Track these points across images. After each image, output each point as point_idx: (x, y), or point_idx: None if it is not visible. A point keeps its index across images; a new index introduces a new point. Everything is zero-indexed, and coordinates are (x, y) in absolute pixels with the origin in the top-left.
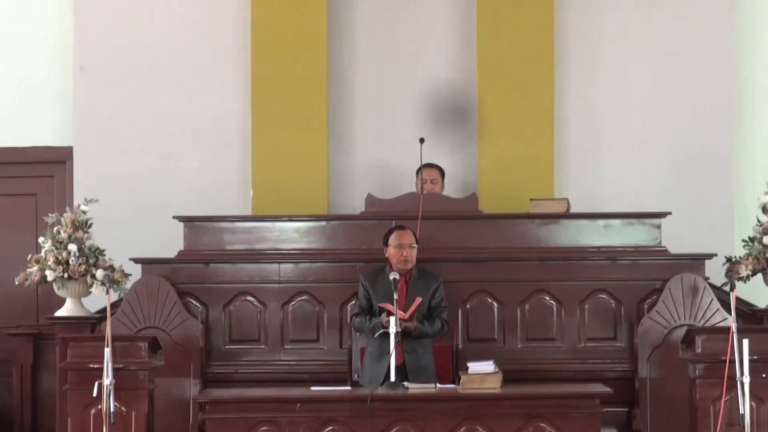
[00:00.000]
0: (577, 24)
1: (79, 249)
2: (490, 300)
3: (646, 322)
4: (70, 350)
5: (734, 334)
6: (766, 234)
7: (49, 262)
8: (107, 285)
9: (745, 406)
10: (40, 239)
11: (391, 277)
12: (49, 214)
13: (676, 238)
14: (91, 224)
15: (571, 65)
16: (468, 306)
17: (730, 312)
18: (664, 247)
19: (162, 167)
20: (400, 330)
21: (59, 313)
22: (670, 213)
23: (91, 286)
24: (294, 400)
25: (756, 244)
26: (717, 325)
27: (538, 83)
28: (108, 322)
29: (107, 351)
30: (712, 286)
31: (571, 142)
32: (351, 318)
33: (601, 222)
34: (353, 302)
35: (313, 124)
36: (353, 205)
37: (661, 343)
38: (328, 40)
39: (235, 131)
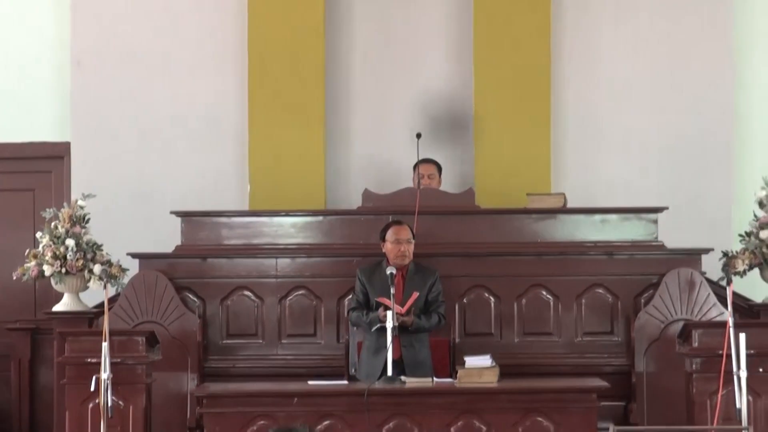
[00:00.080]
0: (574, 19)
1: (77, 244)
2: (487, 294)
3: (643, 317)
4: (67, 345)
5: (731, 329)
6: (762, 229)
7: (47, 257)
8: (105, 280)
9: (742, 401)
10: (38, 234)
11: (388, 272)
12: (47, 210)
13: (673, 233)
14: (89, 219)
15: (568, 60)
16: (465, 300)
17: (726, 306)
18: (661, 241)
19: (159, 162)
20: (397, 324)
21: (57, 307)
22: (666, 208)
23: (88, 280)
24: (291, 394)
25: (752, 238)
26: (714, 319)
27: (535, 79)
28: (106, 317)
29: (105, 345)
30: (708, 280)
31: (567, 137)
32: (348, 312)
33: (597, 217)
34: (350, 297)
35: (310, 120)
36: (350, 200)
37: (657, 338)
38: (325, 35)
39: (233, 126)
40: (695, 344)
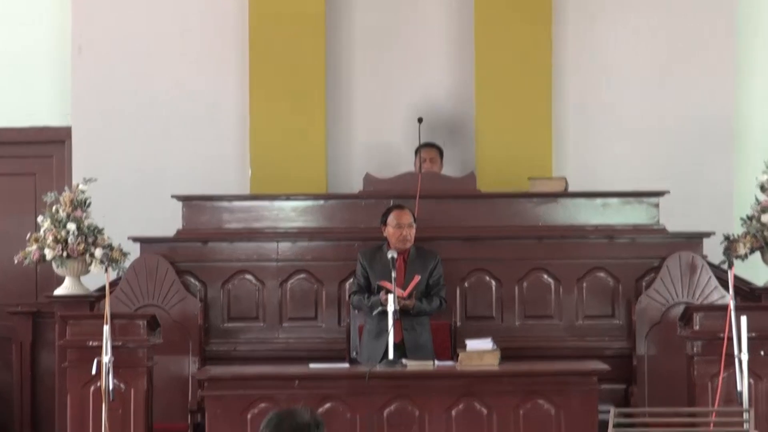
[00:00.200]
0: (577, 1)
1: (78, 228)
2: (488, 278)
3: (644, 300)
4: (69, 328)
5: (732, 312)
6: (764, 212)
7: (48, 241)
8: (106, 263)
9: (743, 383)
10: (39, 218)
11: (389, 256)
12: (48, 194)
13: (674, 217)
14: (90, 203)
15: (570, 44)
16: (466, 284)
17: (728, 290)
18: (662, 225)
19: (160, 146)
20: (398, 308)
21: (58, 291)
22: (668, 192)
23: (89, 264)
24: (292, 377)
25: (754, 222)
26: (715, 302)
27: (536, 62)
28: (107, 301)
29: (106, 329)
30: (710, 264)
31: (569, 121)
32: (349, 296)
33: (599, 201)
34: (351, 280)
35: (311, 104)
36: (351, 184)
37: (659, 321)
38: (326, 20)
39: (234, 110)
40: (696, 327)
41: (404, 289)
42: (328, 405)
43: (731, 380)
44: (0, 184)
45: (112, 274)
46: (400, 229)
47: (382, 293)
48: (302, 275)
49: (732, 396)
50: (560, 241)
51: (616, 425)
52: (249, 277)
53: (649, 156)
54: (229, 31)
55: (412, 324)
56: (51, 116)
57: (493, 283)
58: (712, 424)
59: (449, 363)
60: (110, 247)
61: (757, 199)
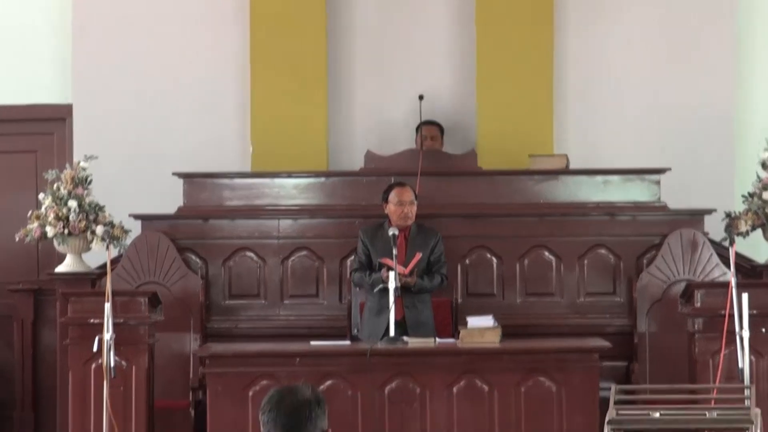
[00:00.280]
0: None
1: (79, 205)
2: (489, 255)
3: (646, 277)
4: (70, 305)
5: (733, 289)
6: (765, 189)
7: (50, 219)
8: (107, 241)
9: (745, 360)
10: (41, 196)
11: (391, 233)
12: (49, 171)
13: (676, 194)
14: (91, 181)
15: (571, 21)
16: (467, 261)
17: (729, 267)
18: (664, 202)
19: (161, 124)
20: (399, 285)
21: (60, 268)
22: (669, 169)
23: (91, 242)
24: (294, 354)
25: (756, 199)
26: (716, 279)
27: (538, 39)
28: (108, 278)
29: (107, 306)
30: (711, 241)
31: (570, 98)
32: (350, 273)
33: (600, 178)
34: (352, 258)
35: (312, 81)
36: (352, 161)
37: (660, 298)
38: None
39: (235, 88)
40: (698, 304)
41: (405, 266)
42: (329, 382)
43: (732, 357)
44: (1, 162)
45: (114, 252)
46: (401, 207)
47: (383, 270)
48: (303, 252)
49: (733, 373)
50: (561, 219)
51: (617, 402)
52: (250, 254)
53: (650, 133)
54: (230, 9)
55: (413, 301)
56: (52, 94)
57: (494, 260)
58: (713, 401)
59: (450, 340)
60: (111, 224)
61: (758, 176)
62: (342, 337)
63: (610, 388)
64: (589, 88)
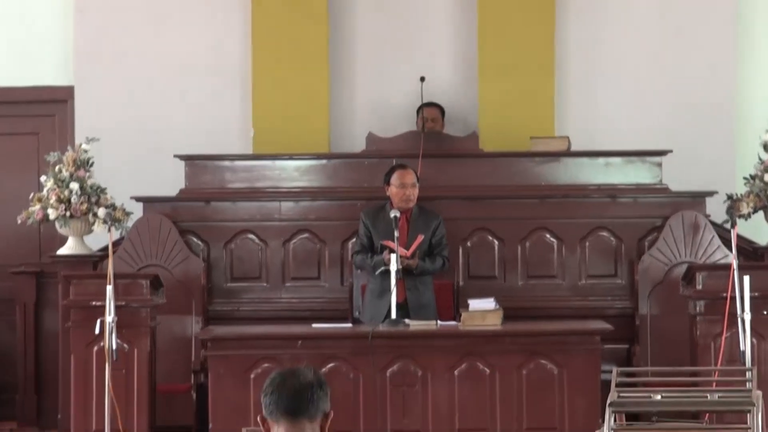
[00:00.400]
0: None
1: (81, 187)
2: (490, 238)
3: (647, 260)
4: (72, 288)
5: (735, 271)
6: (767, 171)
7: (51, 201)
8: (109, 223)
9: (746, 343)
10: (42, 178)
11: (392, 215)
12: (51, 153)
13: (677, 176)
14: (93, 163)
15: (573, 2)
16: (469, 244)
17: (730, 249)
18: (665, 184)
19: (163, 106)
20: (401, 267)
21: (61, 251)
22: (671, 151)
23: (93, 224)
24: (295, 337)
25: (757, 181)
26: (718, 262)
27: (539, 21)
28: (110, 260)
29: (109, 289)
30: (713, 223)
31: (571, 80)
32: (352, 256)
33: (601, 160)
34: (354, 240)
35: (313, 63)
36: (354, 143)
37: (661, 281)
38: None
39: (236, 70)
40: (699, 287)
41: (407, 248)
42: (331, 365)
43: (734, 340)
44: (2, 144)
45: (115, 234)
46: (403, 189)
47: (385, 253)
48: (305, 235)
49: (734, 356)
50: (563, 201)
51: (619, 385)
52: (252, 236)
53: (651, 115)
54: None
55: (414, 284)
56: (54, 76)
57: (496, 242)
58: (714, 384)
59: (452, 323)
60: (113, 206)
61: (760, 159)
62: (344, 319)
63: (611, 371)
64: (591, 70)
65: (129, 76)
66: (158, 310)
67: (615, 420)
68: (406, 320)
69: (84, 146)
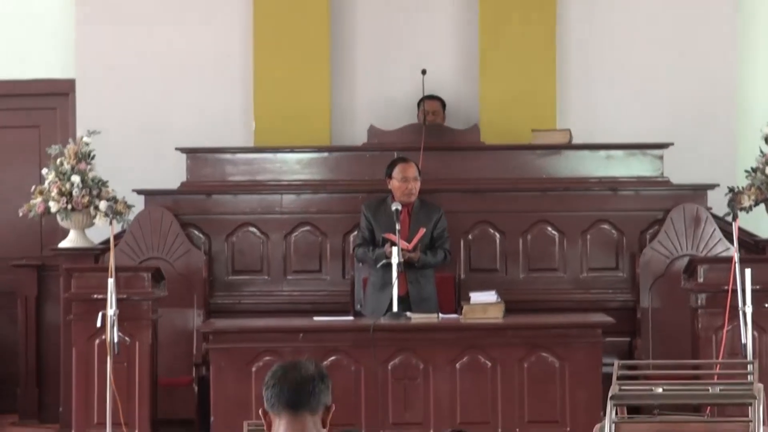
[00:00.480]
0: None
1: (82, 180)
2: (492, 230)
3: (648, 253)
4: (73, 281)
5: (736, 264)
6: None
7: (53, 194)
8: (110, 216)
9: (747, 336)
10: (44, 171)
11: (394, 208)
12: (53, 146)
13: (678, 169)
14: (94, 156)
15: None
16: (470, 237)
17: (732, 242)
18: (667, 177)
19: (164, 99)
20: (402, 260)
21: (63, 244)
22: (672, 144)
23: (94, 217)
24: (297, 330)
25: (759, 174)
26: (719, 255)
27: (541, 14)
28: (111, 253)
29: (111, 282)
30: (714, 216)
31: (573, 72)
32: (354, 249)
33: (602, 153)
34: (356, 233)
35: (315, 56)
36: (355, 136)
37: (663, 274)
38: None
39: (238, 62)
40: (700, 280)
41: (408, 242)
42: (332, 358)
43: (735, 333)
44: (4, 137)
45: (117, 227)
46: (405, 183)
47: (386, 246)
48: (306, 228)
49: (736, 348)
50: (564, 194)
51: (620, 378)
52: (253, 229)
53: (653, 108)
54: None
55: (416, 277)
56: (55, 69)
57: (497, 235)
58: (716, 377)
59: (453, 316)
60: (114, 199)
61: (761, 151)
62: (345, 312)
63: (612, 364)
64: (593, 63)
65: (131, 69)
66: (159, 303)
67: (616, 413)
68: (408, 313)
69: (85, 139)
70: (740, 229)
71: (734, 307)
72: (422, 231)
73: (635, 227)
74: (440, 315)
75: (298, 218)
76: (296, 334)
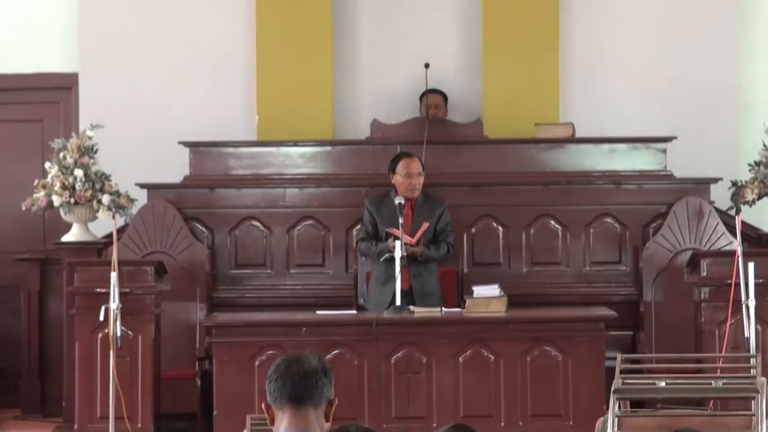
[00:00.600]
0: None
1: (85, 174)
2: (495, 224)
3: (652, 246)
4: (77, 275)
5: (739, 258)
6: None
7: (56, 188)
8: (113, 210)
9: (750, 330)
10: (47, 165)
11: (397, 202)
12: (56, 140)
13: (682, 163)
14: (97, 150)
15: None
16: (473, 230)
17: (735, 236)
18: (670, 171)
19: (167, 93)
20: (405, 254)
21: (66, 238)
22: (675, 137)
23: (97, 211)
24: (300, 324)
25: (762, 168)
26: (722, 248)
27: (543, 7)
28: (114, 247)
29: (114, 275)
30: (717, 210)
31: (576, 66)
32: (357, 243)
33: (606, 146)
34: (359, 227)
35: (318, 50)
36: (358, 130)
37: (666, 267)
38: None
39: (241, 57)
40: (704, 273)
41: (411, 236)
42: (335, 351)
43: (738, 327)
44: (7, 131)
45: (120, 221)
46: (409, 179)
47: (390, 240)
48: (309, 222)
49: (739, 342)
50: (567, 187)
51: (623, 371)
52: (256, 223)
53: (656, 101)
54: None
55: (420, 271)
56: (58, 62)
57: (500, 229)
58: (719, 371)
59: (456, 310)
60: (117, 193)
61: (764, 145)
62: (348, 306)
63: (615, 358)
64: (596, 57)
65: (134, 63)
66: (162, 297)
67: (619, 407)
68: (411, 307)
69: (88, 133)
70: (743, 223)
71: (737, 301)
72: (425, 225)
73: (638, 221)
74: (443, 309)
75: (301, 212)
76: (299, 328)
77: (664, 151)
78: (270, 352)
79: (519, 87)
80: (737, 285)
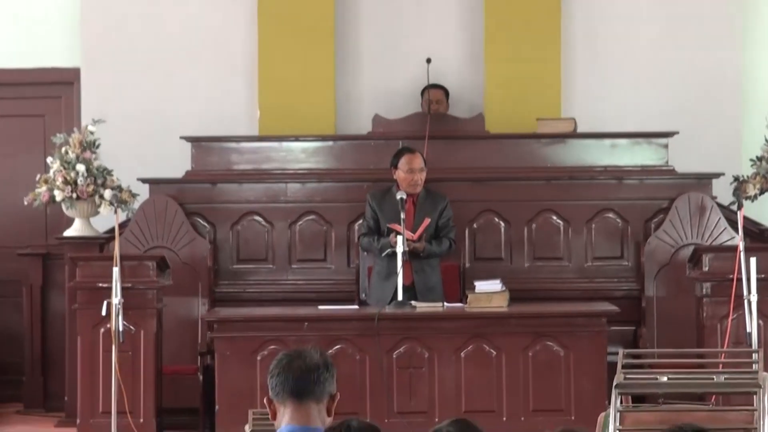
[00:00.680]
0: None
1: (87, 169)
2: (496, 219)
3: (653, 242)
4: (79, 270)
5: (741, 253)
6: None
7: (58, 183)
8: (115, 205)
9: (752, 325)
10: (49, 160)
11: (399, 197)
12: (57, 135)
13: (683, 158)
14: (99, 145)
15: None
16: (475, 225)
17: (737, 231)
18: (671, 166)
19: (169, 88)
20: (407, 249)
21: (68, 233)
22: (677, 132)
23: (99, 206)
24: (302, 319)
25: (764, 163)
26: (724, 244)
27: (546, 2)
28: (116, 242)
29: (116, 270)
30: (719, 205)
31: (578, 61)
32: (359, 238)
33: (607, 141)
34: (361, 222)
35: (320, 45)
36: (360, 125)
37: (668, 262)
38: None
39: (243, 52)
40: (706, 269)
41: (413, 231)
42: (337, 346)
43: (740, 322)
44: (9, 126)
45: (122, 216)
46: (411, 174)
47: (392, 235)
48: (311, 217)
49: (741, 337)
50: (569, 182)
51: (625, 366)
52: (258, 218)
53: (658, 96)
54: None
55: (421, 266)
56: (60, 57)
57: (502, 224)
58: (720, 366)
59: (458, 305)
60: (119, 188)
61: (766, 140)
62: (350, 301)
63: (617, 353)
64: (597, 52)
65: (135, 58)
66: (164, 292)
67: (621, 402)
68: (413, 302)
69: (90, 128)
70: (745, 218)
71: (739, 296)
72: (427, 221)
73: (640, 216)
74: (445, 304)
75: (303, 207)
76: (301, 323)
77: (666, 146)
78: (272, 346)
79: (521, 82)
80: (739, 280)
